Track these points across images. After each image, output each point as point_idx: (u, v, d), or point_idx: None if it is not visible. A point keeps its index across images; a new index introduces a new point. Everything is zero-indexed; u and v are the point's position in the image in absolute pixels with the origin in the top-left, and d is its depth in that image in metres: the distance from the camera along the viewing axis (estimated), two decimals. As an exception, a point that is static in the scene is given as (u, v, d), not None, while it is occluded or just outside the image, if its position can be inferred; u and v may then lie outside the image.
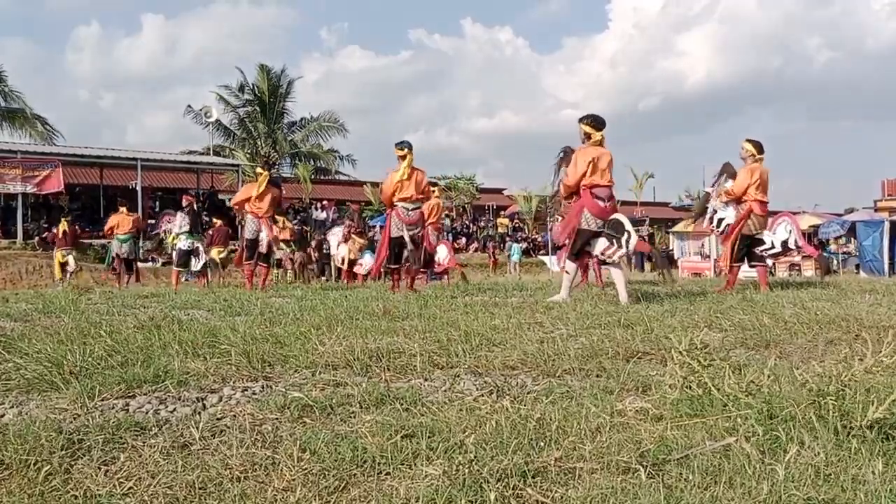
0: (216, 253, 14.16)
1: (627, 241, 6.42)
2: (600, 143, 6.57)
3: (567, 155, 7.55)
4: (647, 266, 23.08)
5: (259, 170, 10.52)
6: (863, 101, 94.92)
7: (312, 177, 32.02)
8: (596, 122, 6.62)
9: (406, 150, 8.73)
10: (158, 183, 29.21)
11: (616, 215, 6.60)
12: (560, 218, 7.41)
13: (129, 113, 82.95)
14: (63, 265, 15.65)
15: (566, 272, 6.73)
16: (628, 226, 6.46)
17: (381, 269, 9.98)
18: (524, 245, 30.14)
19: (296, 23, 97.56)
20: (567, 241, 6.82)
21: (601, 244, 6.46)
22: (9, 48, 74.04)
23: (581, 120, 6.70)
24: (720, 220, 8.69)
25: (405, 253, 8.94)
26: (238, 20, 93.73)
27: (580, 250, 6.62)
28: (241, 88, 32.09)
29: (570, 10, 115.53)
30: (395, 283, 9.10)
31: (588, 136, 6.58)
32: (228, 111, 32.30)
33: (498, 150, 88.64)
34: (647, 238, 23.44)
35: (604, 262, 6.85)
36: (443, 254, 12.82)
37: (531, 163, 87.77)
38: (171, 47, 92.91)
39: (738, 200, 8.31)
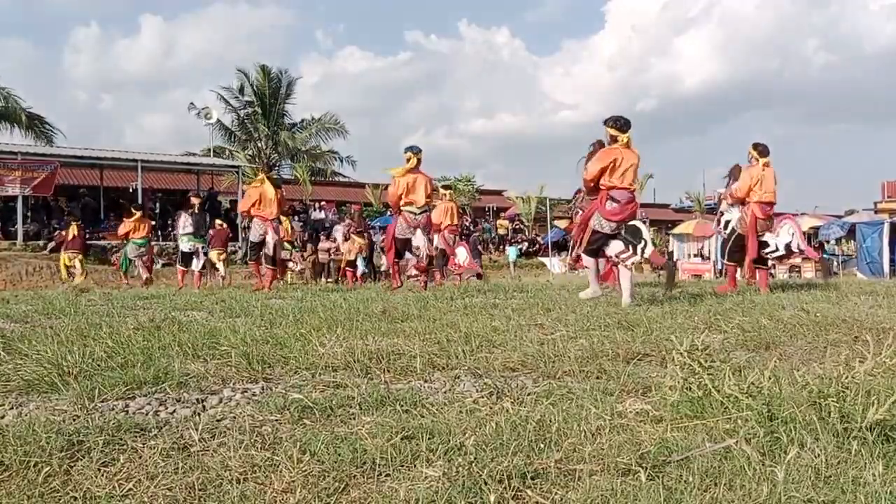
0: (216, 255, 14.17)
1: (643, 250, 6.37)
2: (627, 145, 6.40)
3: (596, 149, 7.44)
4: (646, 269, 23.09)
5: (261, 174, 10.54)
6: (862, 103, 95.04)
7: (312, 178, 32.03)
8: (620, 124, 6.44)
9: (412, 153, 8.81)
10: (158, 184, 29.21)
11: (635, 221, 6.52)
12: (580, 211, 7.36)
13: (128, 114, 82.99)
14: (68, 267, 15.62)
15: (586, 266, 6.66)
16: (645, 234, 6.39)
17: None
18: (521, 246, 30.29)
19: (294, 24, 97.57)
20: (579, 238, 6.78)
21: (617, 246, 6.43)
22: (7, 49, 74.04)
23: (605, 122, 6.53)
24: (727, 223, 8.76)
25: (427, 251, 9.08)
26: (237, 21, 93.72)
27: (596, 250, 6.54)
28: (242, 89, 32.13)
29: (566, 11, 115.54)
30: (396, 277, 9.24)
31: (614, 139, 6.43)
32: (229, 111, 32.37)
33: (497, 152, 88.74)
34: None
35: (614, 263, 6.81)
36: (462, 255, 12.91)
37: (529, 165, 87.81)
38: (169, 48, 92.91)
39: (741, 202, 8.37)
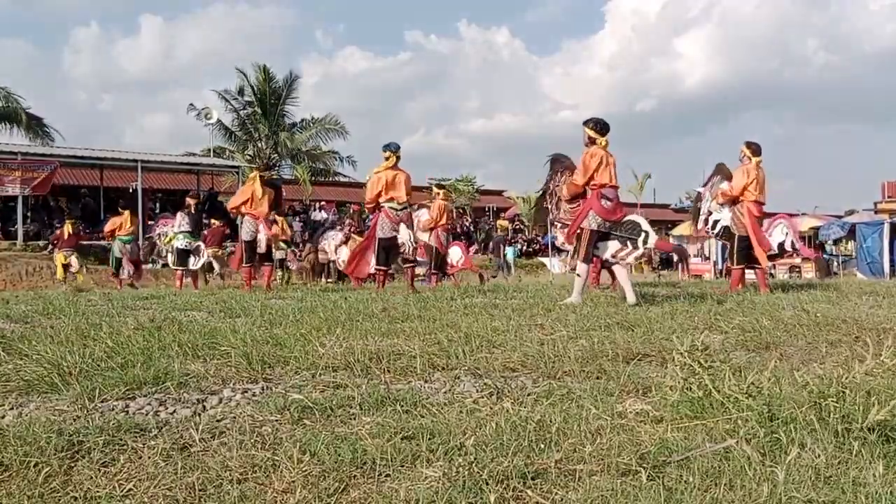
0: (210, 253, 14.18)
1: (645, 241, 6.40)
2: (605, 148, 6.57)
3: (557, 161, 7.47)
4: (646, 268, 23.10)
5: (253, 173, 10.56)
6: (862, 103, 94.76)
7: (313, 178, 32.03)
8: (600, 127, 6.63)
9: (390, 151, 8.90)
10: (158, 185, 29.20)
11: (632, 216, 6.60)
12: (560, 224, 7.35)
13: (128, 114, 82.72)
14: (66, 266, 15.65)
15: (578, 275, 6.62)
16: (645, 225, 6.44)
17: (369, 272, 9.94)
18: (518, 246, 30.34)
19: (294, 24, 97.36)
20: (575, 243, 6.79)
21: (613, 246, 6.44)
22: (7, 49, 73.88)
23: (586, 123, 6.71)
24: (715, 222, 8.72)
25: (412, 244, 9.08)
26: (237, 21, 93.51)
27: (591, 253, 6.55)
28: (241, 90, 32.14)
29: (566, 11, 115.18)
30: (381, 284, 9.16)
31: (592, 140, 6.59)
32: (229, 111, 32.38)
33: (497, 152, 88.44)
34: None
35: (611, 264, 6.79)
36: (456, 255, 12.87)
37: (529, 165, 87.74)
38: (169, 48, 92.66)
39: (733, 201, 8.33)
